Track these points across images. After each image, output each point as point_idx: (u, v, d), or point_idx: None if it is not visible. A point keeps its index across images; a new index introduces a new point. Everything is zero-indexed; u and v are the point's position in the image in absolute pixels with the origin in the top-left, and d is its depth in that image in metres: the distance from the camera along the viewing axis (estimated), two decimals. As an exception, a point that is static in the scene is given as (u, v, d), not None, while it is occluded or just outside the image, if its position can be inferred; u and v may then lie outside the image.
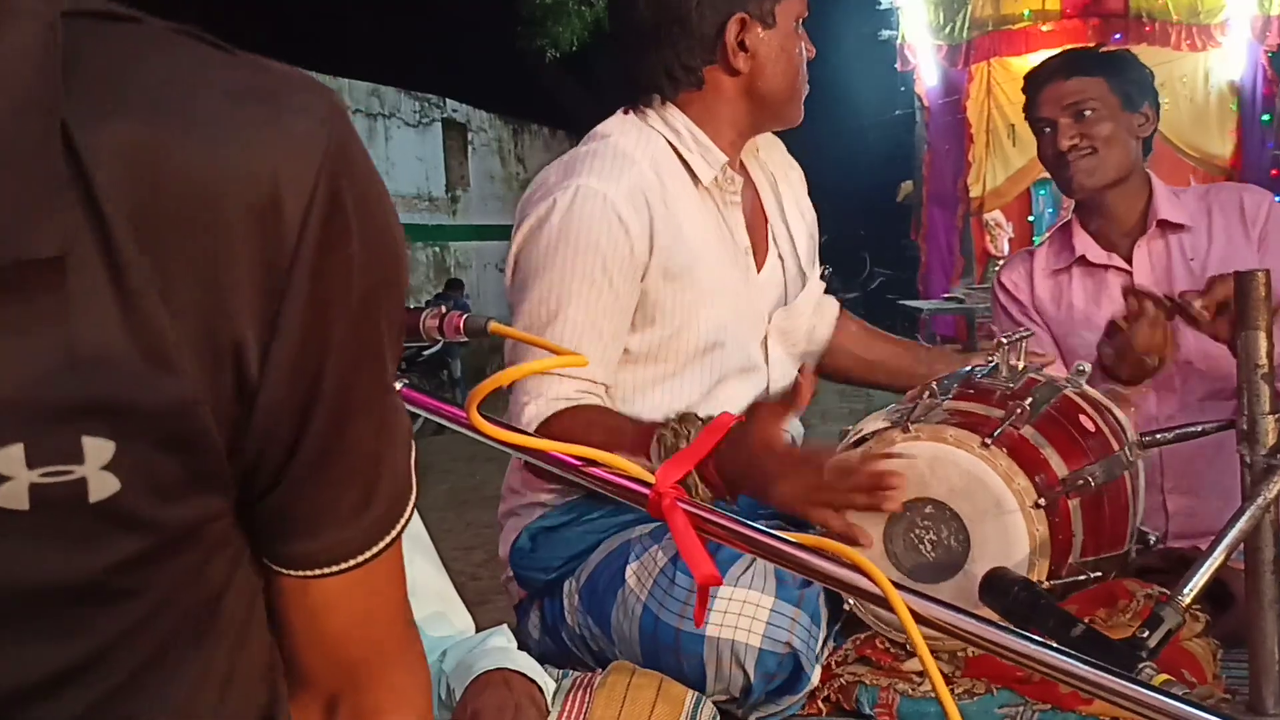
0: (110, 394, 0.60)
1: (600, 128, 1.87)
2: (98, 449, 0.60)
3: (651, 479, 1.01)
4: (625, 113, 1.87)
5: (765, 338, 1.90)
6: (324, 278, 0.64)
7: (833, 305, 2.15)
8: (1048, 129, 2.28)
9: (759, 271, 1.92)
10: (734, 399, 1.84)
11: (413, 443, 0.77)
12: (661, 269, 1.75)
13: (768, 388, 1.91)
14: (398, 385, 1.09)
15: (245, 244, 0.61)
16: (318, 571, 0.73)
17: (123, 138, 0.59)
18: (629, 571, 1.63)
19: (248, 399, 0.64)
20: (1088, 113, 2.23)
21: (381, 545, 0.74)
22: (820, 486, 1.51)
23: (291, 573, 0.73)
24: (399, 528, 0.75)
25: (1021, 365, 1.74)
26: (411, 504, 0.76)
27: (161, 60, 0.63)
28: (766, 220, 1.98)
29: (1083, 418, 1.66)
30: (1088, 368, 1.76)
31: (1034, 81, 2.34)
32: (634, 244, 1.72)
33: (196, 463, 0.64)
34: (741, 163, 1.95)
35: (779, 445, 1.55)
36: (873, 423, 1.60)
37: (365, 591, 0.75)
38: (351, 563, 0.73)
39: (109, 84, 0.60)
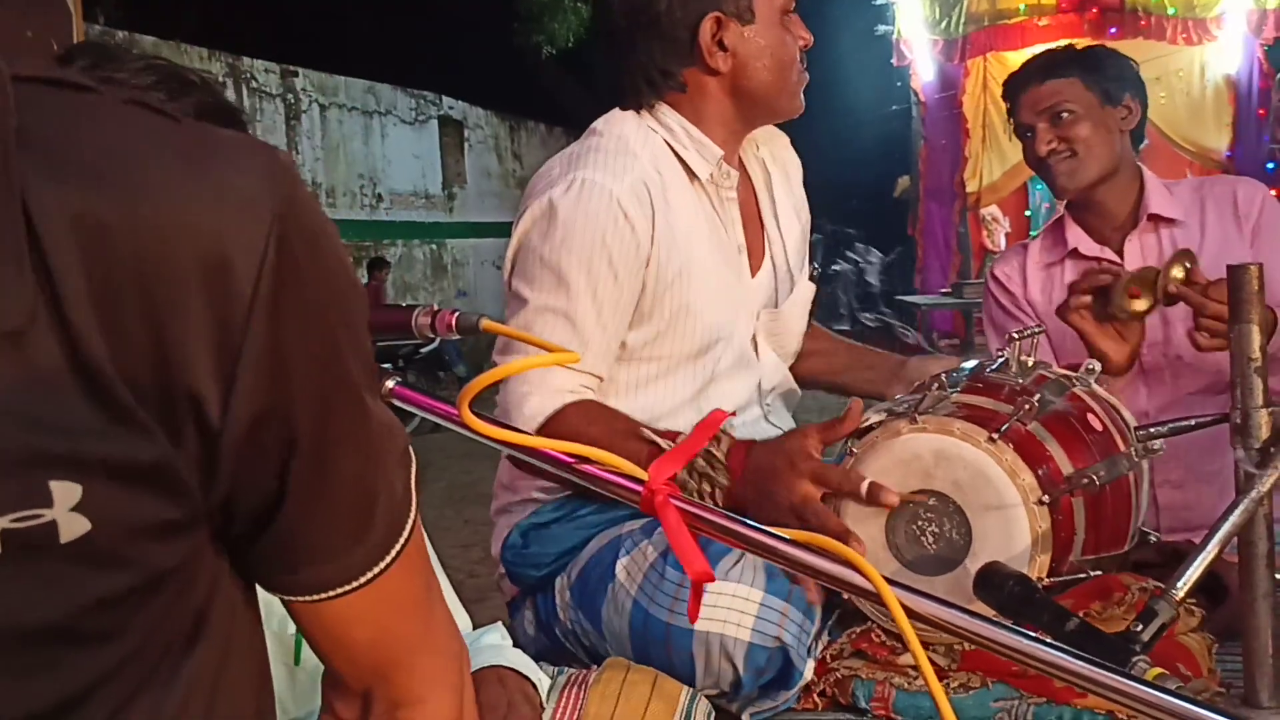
0: (74, 451, 0.62)
1: (599, 123, 1.86)
2: (66, 491, 0.62)
3: (644, 476, 1.01)
4: (624, 109, 1.86)
5: (754, 337, 1.90)
6: (281, 328, 0.66)
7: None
8: (1029, 134, 2.28)
9: (755, 273, 1.92)
10: (727, 396, 1.84)
11: (410, 454, 0.79)
12: (661, 264, 1.75)
13: (759, 386, 1.91)
14: (390, 384, 1.09)
15: (197, 300, 0.63)
16: (324, 595, 0.75)
17: (74, 206, 0.60)
18: (619, 566, 1.63)
19: (212, 448, 0.66)
20: (1065, 115, 2.22)
21: (385, 561, 0.76)
22: (826, 472, 1.52)
23: (299, 599, 0.76)
24: (400, 543, 0.77)
25: (1031, 361, 1.74)
26: (411, 519, 0.78)
27: (109, 128, 0.65)
28: (762, 220, 1.97)
29: (1090, 416, 1.66)
30: (1098, 366, 1.76)
31: (1011, 87, 2.34)
32: (638, 238, 1.72)
33: (171, 508, 0.66)
34: (740, 159, 1.95)
35: (814, 452, 1.56)
36: (878, 413, 1.60)
37: (378, 603, 0.78)
38: (357, 583, 0.75)
39: (58, 152, 0.62)
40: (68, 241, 0.60)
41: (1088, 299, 1.93)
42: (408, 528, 0.78)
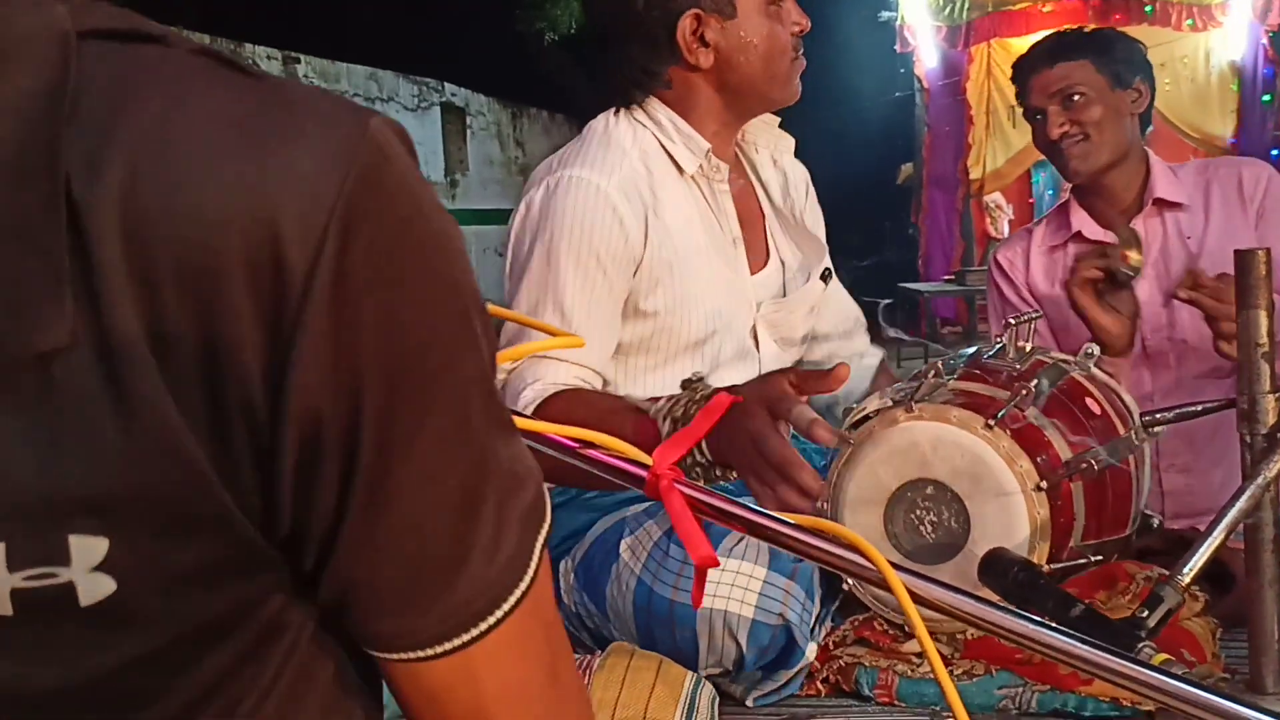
0: (102, 489, 0.54)
1: (593, 122, 1.88)
2: (87, 549, 0.54)
3: (648, 460, 1.00)
4: (615, 112, 1.88)
5: (754, 327, 1.90)
6: (343, 328, 0.56)
7: (874, 354, 2.18)
8: (1039, 117, 2.27)
9: (758, 269, 1.91)
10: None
11: (542, 511, 0.68)
12: (654, 259, 1.75)
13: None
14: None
15: (245, 301, 0.54)
16: (413, 655, 0.64)
17: (114, 192, 0.52)
18: (623, 546, 1.63)
19: (269, 470, 0.57)
20: (1076, 98, 2.22)
21: (486, 625, 0.64)
22: (760, 438, 1.42)
23: (387, 656, 0.65)
24: (499, 613, 0.64)
25: (1029, 347, 1.73)
26: (522, 585, 0.65)
27: (164, 90, 0.56)
28: (763, 214, 1.97)
29: (1089, 400, 1.66)
30: (1096, 350, 1.76)
31: (1021, 70, 2.32)
32: (628, 235, 1.73)
33: (219, 546, 0.57)
34: (739, 154, 1.94)
35: (781, 387, 1.46)
36: (876, 401, 1.59)
37: (483, 671, 0.65)
38: (448, 645, 0.63)
39: (109, 127, 0.53)
40: (113, 240, 0.52)
41: (1096, 272, 1.95)
42: (514, 595, 0.64)
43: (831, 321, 2.12)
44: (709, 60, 1.79)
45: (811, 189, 2.12)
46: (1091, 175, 2.26)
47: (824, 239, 2.06)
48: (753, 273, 1.91)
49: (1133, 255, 1.93)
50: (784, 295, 1.96)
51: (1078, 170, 2.25)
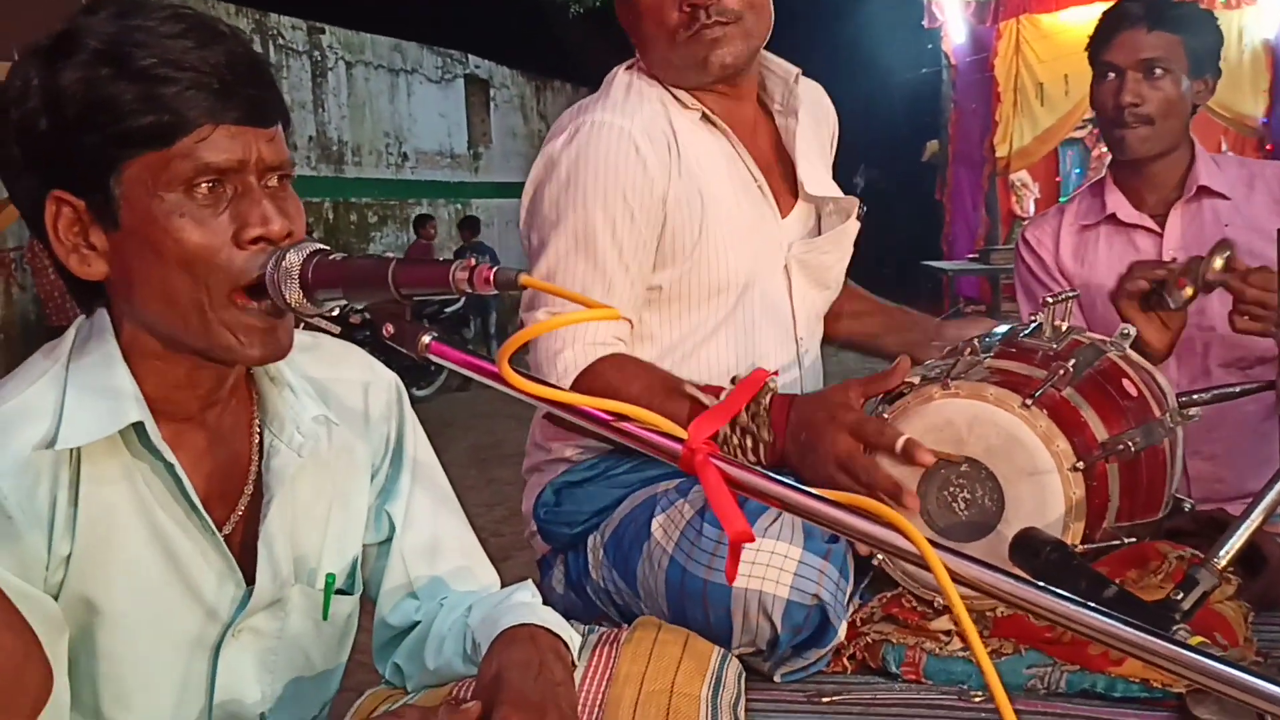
0: None
1: (611, 74, 1.88)
2: None
3: (684, 435, 1.00)
4: (629, 66, 1.89)
5: (786, 266, 1.88)
6: None
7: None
8: (1111, 74, 2.21)
9: (787, 212, 1.90)
10: (756, 332, 1.84)
11: None
12: (679, 198, 1.75)
13: (794, 321, 1.90)
14: (426, 339, 1.08)
15: None
16: None
17: None
18: (655, 524, 1.63)
19: None
20: (1158, 71, 2.17)
21: None
22: (863, 425, 1.52)
23: None
24: None
25: (1065, 326, 1.72)
26: None
27: None
28: (792, 160, 1.93)
29: (1125, 381, 1.64)
30: (1132, 331, 1.74)
31: (1111, 21, 2.24)
32: (652, 174, 1.72)
33: None
34: (762, 103, 1.93)
35: (855, 404, 1.56)
36: (910, 376, 1.58)
37: None
38: None
39: None
40: None
41: (1144, 284, 1.90)
42: None
43: None
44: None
45: (835, 135, 2.11)
46: (1141, 160, 2.23)
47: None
48: (783, 215, 1.89)
49: (1187, 289, 1.87)
50: (818, 235, 1.94)
51: (1134, 150, 2.21)
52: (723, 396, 1.60)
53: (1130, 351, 1.71)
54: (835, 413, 1.55)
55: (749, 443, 1.61)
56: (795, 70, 1.95)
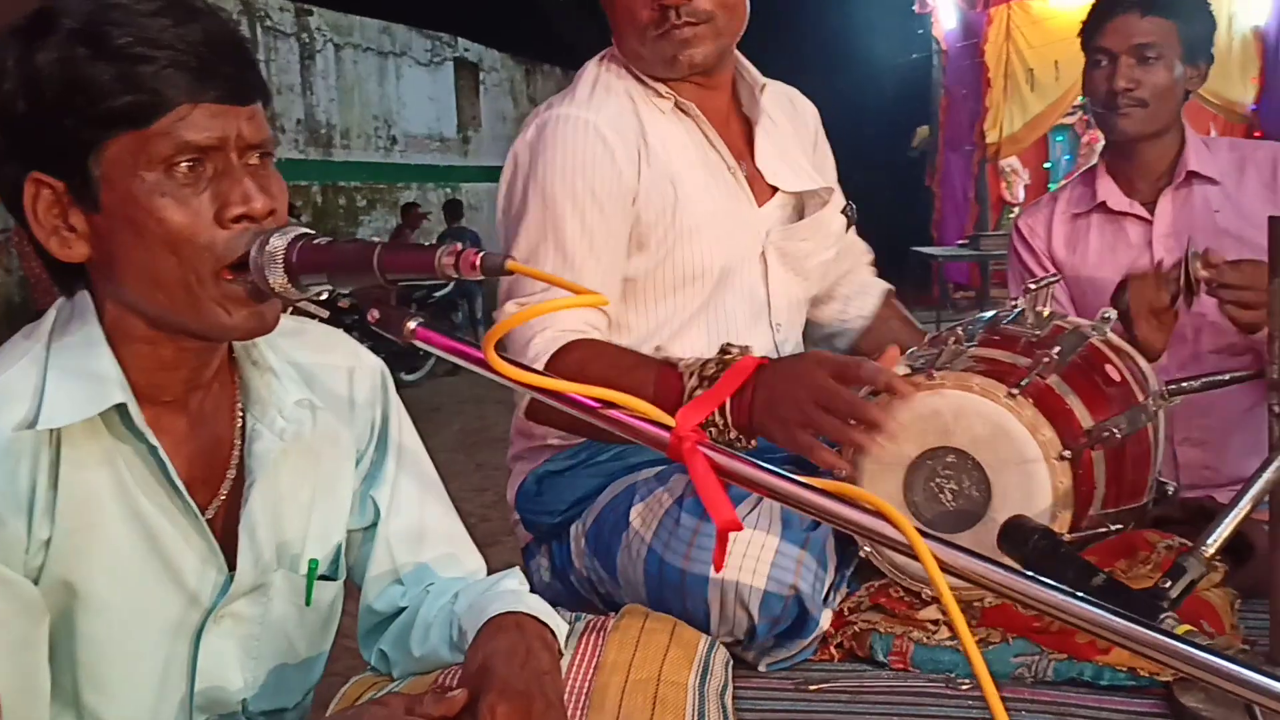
0: None
1: (582, 68, 1.89)
2: None
3: (671, 422, 0.99)
4: (602, 58, 1.88)
5: (763, 254, 1.87)
6: None
7: (878, 286, 2.16)
8: (1104, 59, 2.20)
9: (764, 200, 1.88)
10: (732, 320, 1.83)
11: None
12: (649, 190, 1.74)
13: (769, 309, 1.88)
14: (412, 324, 1.07)
15: None
16: None
17: None
18: (633, 513, 1.62)
19: None
20: (1151, 57, 2.16)
21: None
22: (824, 390, 1.45)
23: None
24: None
25: (1047, 311, 1.71)
26: None
27: None
28: (753, 150, 1.91)
29: (1108, 367, 1.64)
30: (1113, 314, 1.73)
31: (1105, 7, 2.22)
32: (620, 168, 1.72)
33: None
34: (735, 94, 1.92)
35: (827, 365, 1.49)
36: (898, 368, 1.57)
37: None
38: None
39: None
40: None
41: (1165, 299, 1.89)
42: None
43: (846, 260, 2.12)
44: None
45: (821, 130, 2.09)
46: (1134, 140, 2.23)
47: (835, 183, 2.02)
48: (760, 204, 1.88)
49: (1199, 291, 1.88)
50: (797, 221, 1.92)
51: (1124, 132, 2.21)
52: (682, 364, 1.57)
53: (1112, 335, 1.71)
54: (812, 357, 1.51)
55: (708, 385, 1.52)
56: (762, 81, 1.94)
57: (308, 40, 13.30)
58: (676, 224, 1.76)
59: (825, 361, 1.48)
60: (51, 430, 1.10)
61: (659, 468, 1.68)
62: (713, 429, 1.49)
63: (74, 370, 1.12)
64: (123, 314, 1.14)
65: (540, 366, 1.65)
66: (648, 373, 1.58)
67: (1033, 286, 1.72)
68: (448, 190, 15.36)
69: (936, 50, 12.10)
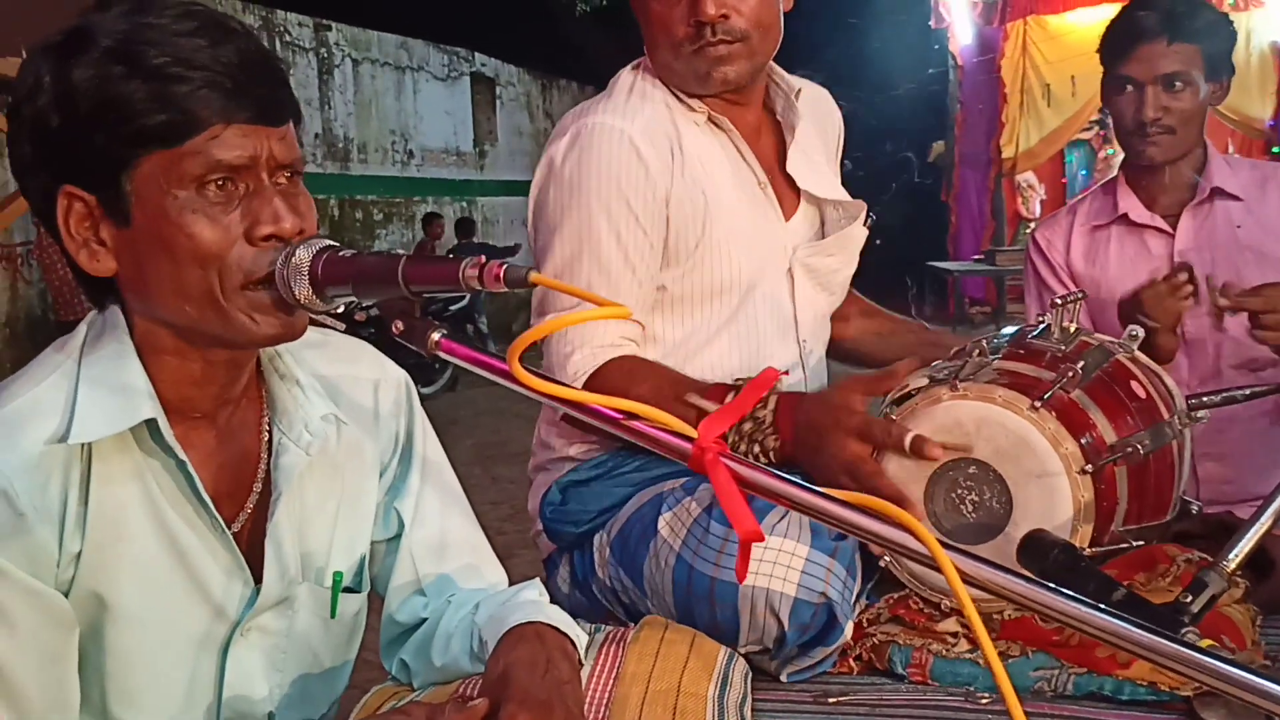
0: None
1: (617, 75, 1.89)
2: None
3: (693, 434, 0.99)
4: (636, 66, 1.89)
5: (790, 269, 1.88)
6: None
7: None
8: (1130, 88, 2.19)
9: (791, 214, 1.90)
10: (759, 333, 1.84)
11: None
12: (682, 198, 1.75)
13: (796, 324, 1.90)
14: (436, 336, 1.08)
15: None
16: None
17: None
18: (662, 522, 1.62)
19: None
20: (1178, 84, 2.14)
21: None
22: (870, 427, 1.53)
23: None
24: None
25: (1074, 327, 1.71)
26: None
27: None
28: (783, 164, 1.93)
29: (1133, 383, 1.64)
30: (1140, 332, 1.73)
31: (1127, 32, 2.20)
32: (654, 177, 1.73)
33: None
34: (767, 107, 1.93)
35: (858, 407, 1.56)
36: (918, 379, 1.58)
37: None
38: None
39: None
40: None
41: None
42: None
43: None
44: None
45: (842, 135, 2.11)
46: (1162, 164, 2.23)
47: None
48: (786, 219, 1.89)
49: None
50: (822, 238, 1.94)
51: (1153, 159, 2.20)
52: (729, 398, 1.59)
53: (1138, 353, 1.71)
54: (839, 416, 1.55)
55: (755, 450, 1.61)
56: (797, 86, 1.95)
57: (326, 55, 13.38)
58: (706, 236, 1.77)
59: (850, 424, 1.54)
60: (83, 445, 1.11)
61: (685, 478, 1.68)
62: (740, 444, 1.52)
63: (105, 384, 1.13)
64: (152, 327, 1.16)
65: (579, 385, 1.67)
66: (687, 413, 1.58)
67: (1060, 302, 1.72)
68: (464, 204, 15.40)
69: (953, 65, 12.10)
